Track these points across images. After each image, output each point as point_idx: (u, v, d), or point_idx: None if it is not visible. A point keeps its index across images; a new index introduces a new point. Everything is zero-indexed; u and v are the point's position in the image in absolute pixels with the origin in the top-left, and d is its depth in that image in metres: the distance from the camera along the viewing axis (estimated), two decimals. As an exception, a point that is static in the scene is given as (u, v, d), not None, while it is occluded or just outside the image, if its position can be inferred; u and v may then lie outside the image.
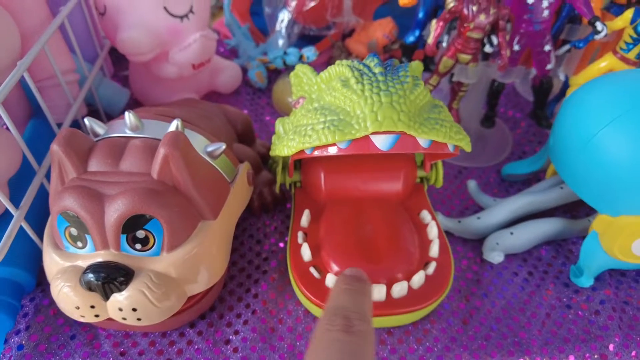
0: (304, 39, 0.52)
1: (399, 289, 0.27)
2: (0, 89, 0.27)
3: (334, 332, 0.20)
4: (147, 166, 0.26)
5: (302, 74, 0.32)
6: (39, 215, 0.31)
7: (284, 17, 0.48)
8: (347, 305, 0.21)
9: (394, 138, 0.24)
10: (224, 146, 0.30)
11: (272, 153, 0.31)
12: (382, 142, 0.24)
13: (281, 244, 0.35)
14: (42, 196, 0.31)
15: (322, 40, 0.52)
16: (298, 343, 0.29)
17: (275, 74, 0.51)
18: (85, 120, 0.29)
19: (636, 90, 0.30)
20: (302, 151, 0.26)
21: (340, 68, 0.27)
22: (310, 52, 0.46)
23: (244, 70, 0.50)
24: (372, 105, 0.24)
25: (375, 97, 0.24)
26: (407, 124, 0.23)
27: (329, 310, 0.21)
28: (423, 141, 0.24)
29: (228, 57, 0.53)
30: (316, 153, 0.26)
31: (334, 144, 0.25)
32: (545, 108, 0.44)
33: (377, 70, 0.26)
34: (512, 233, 0.34)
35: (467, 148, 0.26)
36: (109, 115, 0.45)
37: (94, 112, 0.44)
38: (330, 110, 0.25)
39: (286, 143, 0.26)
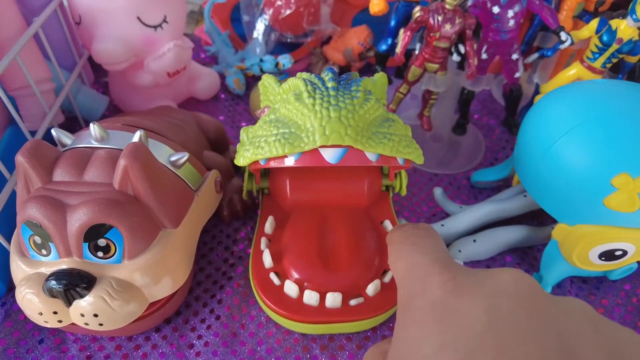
0: (282, 46, 0.52)
1: (356, 299, 0.28)
2: (-32, 101, 0.27)
3: (406, 228, 0.21)
4: (110, 177, 0.27)
5: (267, 84, 0.33)
6: (10, 223, 0.32)
7: (261, 24, 0.48)
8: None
9: (341, 152, 0.24)
10: (187, 155, 0.30)
11: (235, 161, 0.31)
12: (330, 156, 0.24)
13: (249, 251, 0.36)
14: (14, 203, 0.32)
15: (300, 48, 0.53)
16: (259, 348, 0.30)
17: (254, 80, 0.52)
18: (53, 131, 0.30)
19: (594, 101, 0.31)
20: (257, 162, 0.27)
21: (295, 81, 0.27)
22: (285, 59, 0.46)
23: (224, 77, 0.51)
24: (321, 120, 0.24)
25: (324, 112, 0.24)
26: (354, 138, 0.24)
27: (395, 230, 0.22)
28: (371, 155, 0.25)
29: (209, 63, 0.54)
30: (272, 164, 0.26)
31: (285, 156, 0.25)
32: (516, 115, 0.44)
33: (330, 84, 0.26)
34: (475, 240, 0.35)
35: (419, 160, 0.27)
36: (87, 123, 0.45)
37: (73, 119, 0.45)
38: (283, 123, 0.26)
39: (242, 153, 0.27)
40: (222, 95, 0.51)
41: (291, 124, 0.26)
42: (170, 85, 0.45)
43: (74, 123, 0.45)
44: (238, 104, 0.50)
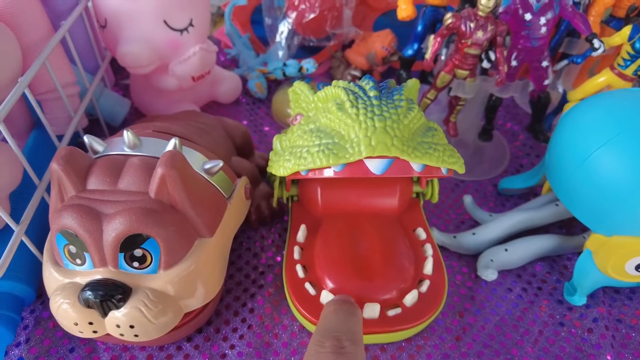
0: (303, 50, 0.52)
1: (394, 309, 0.28)
2: (1, 107, 0.27)
3: (325, 353, 0.20)
4: (145, 185, 0.27)
5: (299, 91, 0.33)
6: (39, 228, 0.32)
7: (284, 28, 0.48)
8: (337, 327, 0.22)
9: (387, 162, 0.24)
10: (221, 163, 0.30)
11: (269, 169, 0.31)
12: (375, 167, 0.24)
13: (278, 258, 0.36)
14: (43, 209, 0.32)
15: (322, 51, 0.52)
16: (292, 358, 0.30)
17: (275, 84, 0.51)
18: (85, 138, 0.29)
19: (632, 113, 0.30)
20: (297, 172, 0.26)
21: (336, 90, 0.27)
22: (309, 64, 0.46)
23: (244, 80, 0.51)
24: (366, 130, 0.24)
25: (369, 122, 0.24)
26: (400, 148, 0.23)
27: (319, 332, 0.22)
28: (416, 165, 0.24)
29: (229, 66, 0.54)
30: (311, 175, 0.26)
31: (328, 167, 0.25)
32: (543, 122, 0.44)
33: (372, 93, 0.26)
34: (506, 249, 0.35)
35: (461, 170, 0.27)
36: (109, 126, 0.45)
37: (95, 122, 0.45)
38: (325, 133, 0.26)
39: (282, 164, 0.27)
40: (243, 99, 0.50)
41: (334, 134, 0.25)
42: (193, 88, 0.44)
43: (96, 126, 0.44)
44: (259, 108, 0.50)
